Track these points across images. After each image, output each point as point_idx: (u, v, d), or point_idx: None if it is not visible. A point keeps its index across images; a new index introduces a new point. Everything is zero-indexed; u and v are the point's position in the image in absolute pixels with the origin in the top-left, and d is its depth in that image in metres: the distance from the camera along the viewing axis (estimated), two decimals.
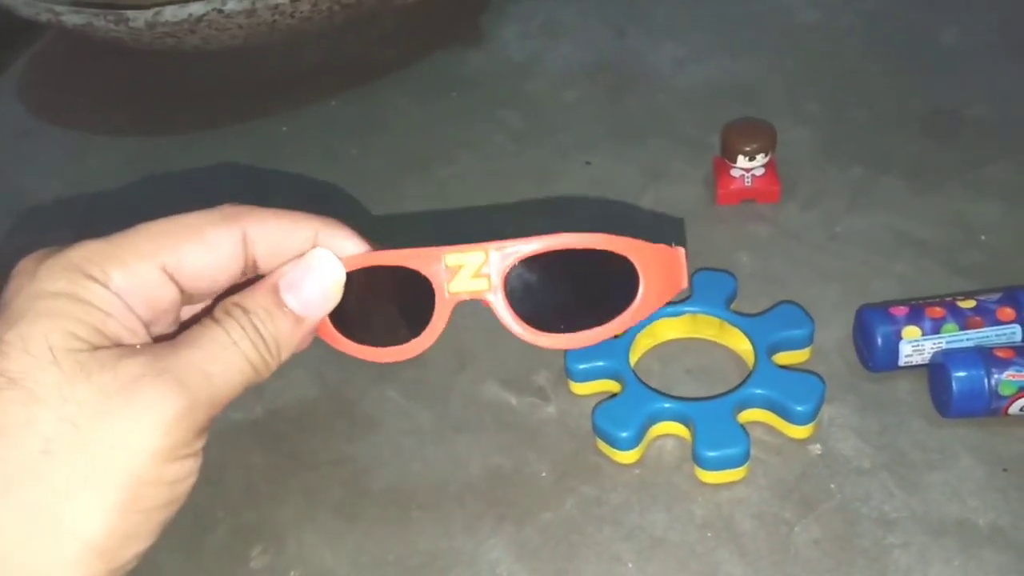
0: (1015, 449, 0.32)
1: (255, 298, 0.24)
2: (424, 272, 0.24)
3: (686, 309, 0.36)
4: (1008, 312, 0.34)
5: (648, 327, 0.36)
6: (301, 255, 0.25)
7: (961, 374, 0.32)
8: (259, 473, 0.35)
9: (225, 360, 0.22)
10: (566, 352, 0.35)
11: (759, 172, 0.42)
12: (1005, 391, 0.32)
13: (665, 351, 0.37)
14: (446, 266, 0.24)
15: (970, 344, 0.34)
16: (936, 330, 0.34)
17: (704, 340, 0.37)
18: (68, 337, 0.21)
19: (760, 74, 0.54)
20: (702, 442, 0.31)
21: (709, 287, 0.37)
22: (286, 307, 0.24)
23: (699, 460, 0.31)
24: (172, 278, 0.24)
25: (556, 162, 0.49)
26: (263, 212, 0.25)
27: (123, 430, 0.20)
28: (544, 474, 0.34)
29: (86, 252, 0.23)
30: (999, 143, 0.46)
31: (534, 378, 0.37)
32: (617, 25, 0.60)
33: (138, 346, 0.22)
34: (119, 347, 0.22)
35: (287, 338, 0.24)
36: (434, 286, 0.24)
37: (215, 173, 0.53)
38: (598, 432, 0.33)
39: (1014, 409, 0.32)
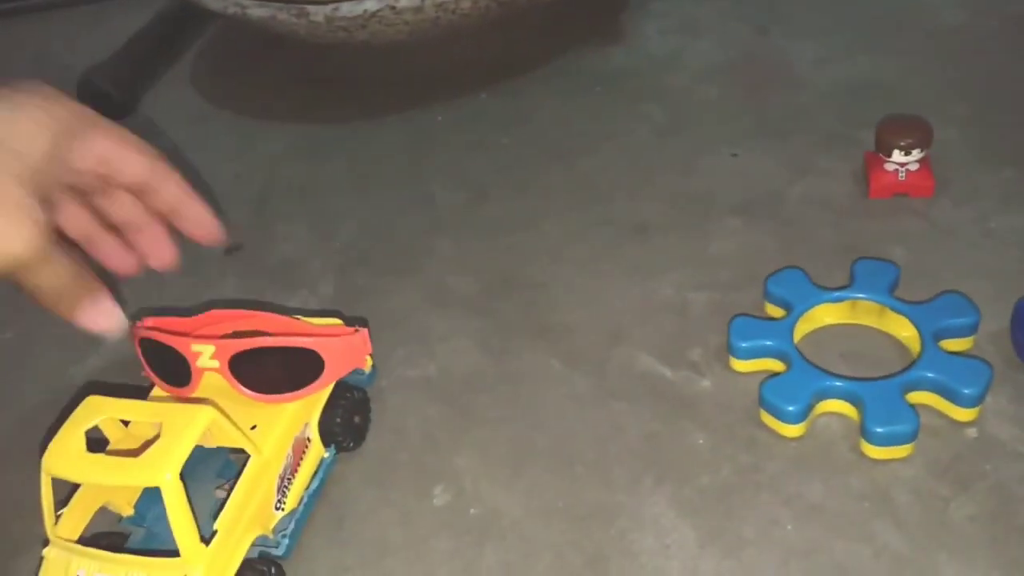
0: None
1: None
2: (182, 351, 0.34)
3: (848, 295, 0.38)
4: None
5: (808, 312, 0.38)
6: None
7: None
8: (435, 424, 0.39)
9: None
10: (730, 329, 0.38)
11: (913, 167, 0.43)
12: None
13: (821, 336, 0.39)
14: (192, 350, 0.34)
15: None
16: None
17: (861, 326, 0.38)
18: None
19: (903, 74, 0.55)
20: (872, 419, 0.33)
21: (871, 274, 0.38)
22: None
23: (868, 436, 0.33)
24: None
25: (700, 155, 0.52)
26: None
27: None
28: (701, 441, 0.36)
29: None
30: None
31: (688, 354, 0.40)
32: (756, 24, 0.62)
33: None
34: None
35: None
36: (191, 362, 0.34)
37: (378, 158, 0.58)
38: (765, 405, 0.35)
39: None
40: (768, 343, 0.37)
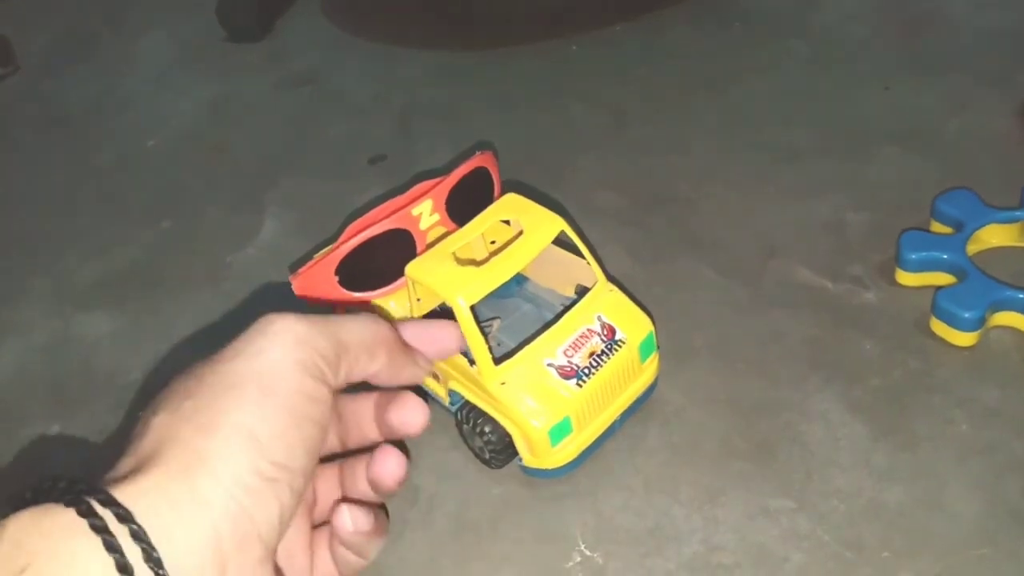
0: None
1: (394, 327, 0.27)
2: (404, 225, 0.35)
3: (1020, 215, 0.38)
4: None
5: (977, 232, 0.38)
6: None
7: None
8: None
9: (355, 326, 0.25)
10: (900, 242, 0.37)
11: None
12: None
13: (989, 257, 0.38)
14: (413, 214, 0.35)
15: None
16: None
17: None
18: None
19: None
20: None
21: None
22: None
23: None
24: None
25: (852, 87, 0.51)
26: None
27: (265, 344, 0.23)
28: (868, 347, 0.36)
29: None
30: None
31: (849, 269, 0.40)
32: None
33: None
34: None
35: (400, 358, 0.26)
36: (413, 229, 0.36)
37: (515, 83, 0.59)
38: (939, 312, 0.35)
39: None
40: (941, 255, 0.37)
